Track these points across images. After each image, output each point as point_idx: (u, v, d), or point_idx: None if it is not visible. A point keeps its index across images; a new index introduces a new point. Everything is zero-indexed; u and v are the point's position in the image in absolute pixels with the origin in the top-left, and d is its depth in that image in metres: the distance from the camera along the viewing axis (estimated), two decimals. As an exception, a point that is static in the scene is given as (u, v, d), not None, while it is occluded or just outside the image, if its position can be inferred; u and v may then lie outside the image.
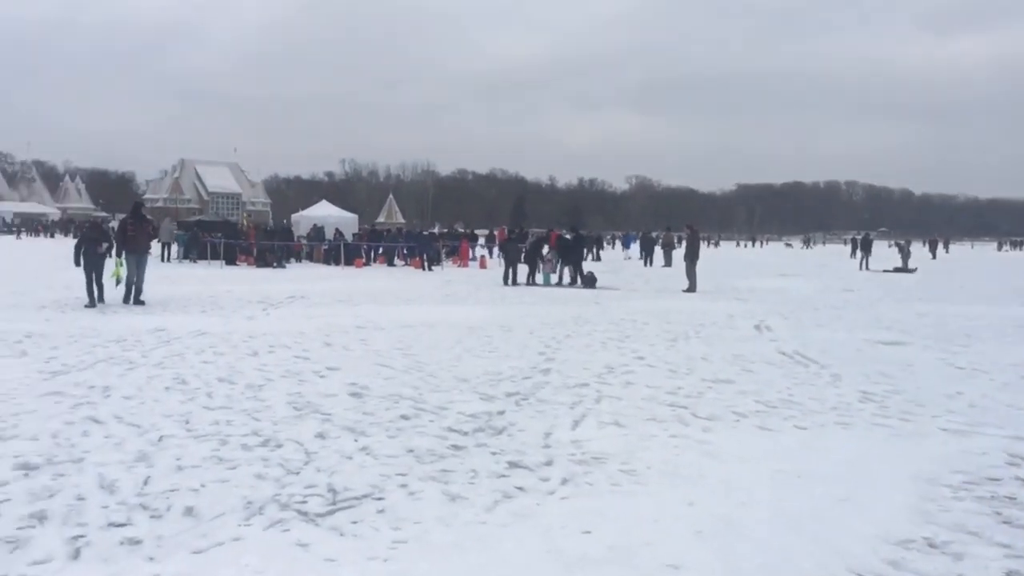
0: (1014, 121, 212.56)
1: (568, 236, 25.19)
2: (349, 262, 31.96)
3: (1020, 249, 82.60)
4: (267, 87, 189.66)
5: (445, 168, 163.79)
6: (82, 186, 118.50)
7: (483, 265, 33.47)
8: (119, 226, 16.21)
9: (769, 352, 10.94)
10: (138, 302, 15.60)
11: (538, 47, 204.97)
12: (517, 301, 18.32)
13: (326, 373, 8.90)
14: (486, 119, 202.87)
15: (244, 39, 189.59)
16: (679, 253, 26.19)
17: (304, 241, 36.90)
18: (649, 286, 23.80)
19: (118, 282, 15.51)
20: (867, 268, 35.84)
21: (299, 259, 34.76)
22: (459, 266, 33.17)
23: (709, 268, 24.44)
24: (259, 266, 29.07)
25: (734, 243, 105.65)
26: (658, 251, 37.74)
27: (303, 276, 25.34)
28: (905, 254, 35.95)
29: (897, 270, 33.99)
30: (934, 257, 53.84)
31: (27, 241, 62.96)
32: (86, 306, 14.83)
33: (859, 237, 47.20)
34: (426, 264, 30.78)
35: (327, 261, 33.68)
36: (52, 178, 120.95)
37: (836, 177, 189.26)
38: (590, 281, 22.61)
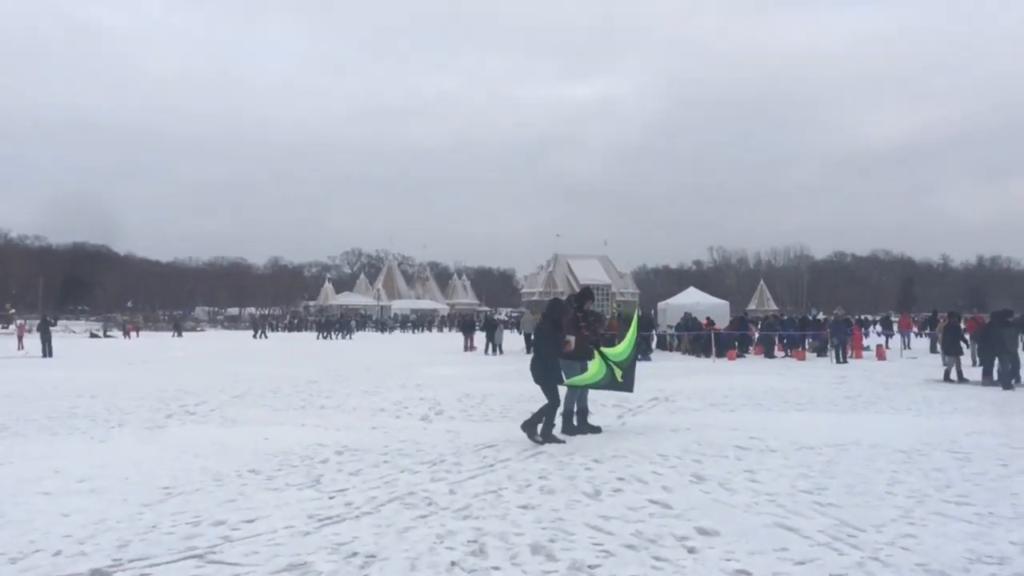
0: None
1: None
2: (721, 353, 28.55)
3: None
4: (637, 182, 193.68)
5: (821, 252, 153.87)
6: (468, 283, 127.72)
7: (880, 356, 28.25)
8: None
9: None
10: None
11: (929, 118, 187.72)
12: (950, 407, 13.74)
13: (703, 546, 5.72)
14: (867, 198, 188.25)
15: (620, 137, 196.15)
16: None
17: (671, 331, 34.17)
18: None
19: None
20: None
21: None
22: (853, 357, 28.20)
23: None
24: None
25: None
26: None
27: (668, 371, 22.42)
28: None
29: None
30: None
31: (418, 335, 67.43)
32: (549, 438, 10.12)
33: None
34: (840, 354, 26.37)
35: (696, 352, 30.57)
36: (443, 277, 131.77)
37: None
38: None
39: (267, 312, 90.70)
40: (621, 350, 11.38)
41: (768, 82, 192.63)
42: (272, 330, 65.33)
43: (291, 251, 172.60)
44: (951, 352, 19.24)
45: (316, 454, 9.26)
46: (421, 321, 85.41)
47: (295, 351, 35.84)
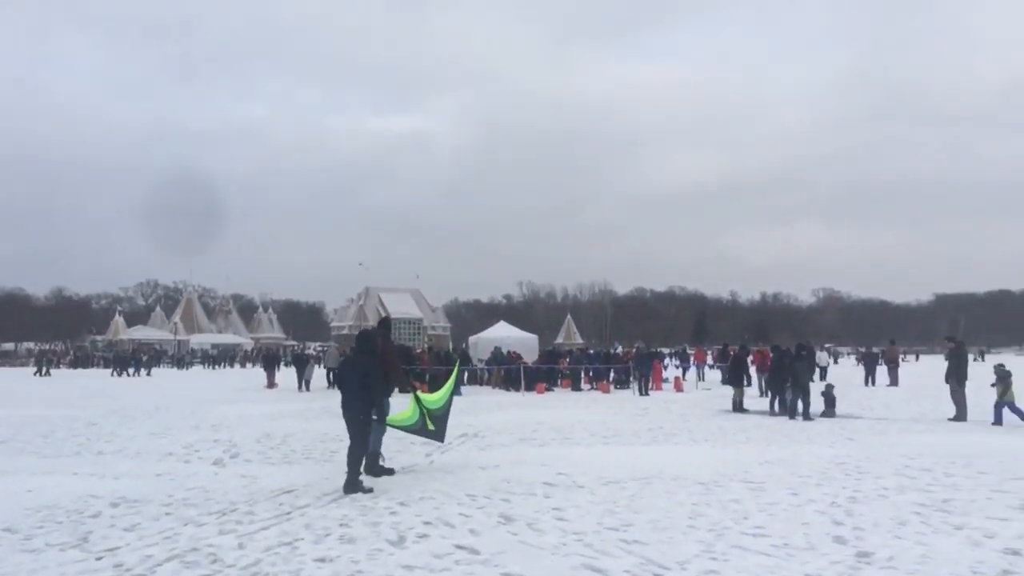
0: None
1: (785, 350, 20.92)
2: (530, 387, 28.83)
3: None
4: (448, 216, 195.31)
5: (623, 287, 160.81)
6: (274, 317, 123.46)
7: (678, 387, 29.50)
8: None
9: None
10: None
11: (720, 163, 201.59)
12: (743, 437, 14.38)
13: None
14: (664, 237, 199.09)
15: (431, 172, 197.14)
16: (909, 370, 21.13)
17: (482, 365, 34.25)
18: (892, 412, 19.20)
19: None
20: None
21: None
22: (654, 389, 29.22)
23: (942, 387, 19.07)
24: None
25: (939, 357, 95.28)
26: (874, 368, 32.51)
27: (479, 405, 22.31)
28: None
29: None
30: None
31: (219, 372, 64.19)
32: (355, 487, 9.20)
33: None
34: (642, 386, 27.11)
35: (506, 386, 30.75)
36: (248, 310, 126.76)
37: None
38: (829, 403, 18.19)
39: (48, 347, 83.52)
40: (437, 398, 11.14)
41: (575, 123, 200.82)
42: (54, 366, 60.10)
43: (77, 281, 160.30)
44: (736, 384, 20.41)
45: (87, 507, 8.31)
46: (222, 356, 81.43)
47: (80, 389, 32.99)
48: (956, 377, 17.30)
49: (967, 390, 17.32)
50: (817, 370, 31.92)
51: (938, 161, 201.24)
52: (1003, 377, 16.46)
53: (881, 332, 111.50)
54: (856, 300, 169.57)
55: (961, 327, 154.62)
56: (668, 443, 13.63)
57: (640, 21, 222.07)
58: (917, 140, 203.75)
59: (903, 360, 40.84)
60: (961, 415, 16.93)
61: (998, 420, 16.13)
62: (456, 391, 12.14)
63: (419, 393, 10.75)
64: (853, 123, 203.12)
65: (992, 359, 71.22)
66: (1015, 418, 15.92)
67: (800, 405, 17.52)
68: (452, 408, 11.63)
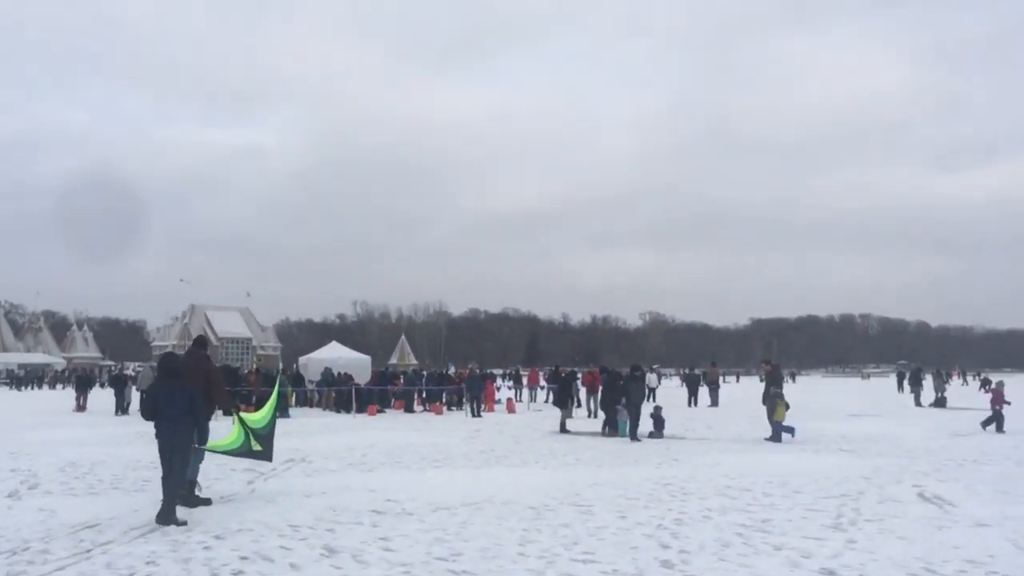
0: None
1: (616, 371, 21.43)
2: (362, 408, 28.19)
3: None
4: (282, 234, 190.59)
5: (457, 308, 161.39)
6: (90, 335, 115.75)
7: (511, 409, 29.66)
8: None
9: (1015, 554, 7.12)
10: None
11: (552, 188, 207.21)
12: (573, 458, 14.50)
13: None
14: (498, 259, 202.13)
15: (264, 187, 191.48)
16: (729, 391, 22.09)
17: (313, 386, 33.26)
18: (714, 432, 19.98)
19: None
20: (919, 403, 32.80)
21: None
22: (487, 410, 29.25)
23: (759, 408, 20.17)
24: (258, 416, 25.16)
25: (756, 378, 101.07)
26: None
27: (308, 428, 21.54)
28: (940, 384, 33.90)
29: (937, 402, 31.99)
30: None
31: (25, 394, 59.37)
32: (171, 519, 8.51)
33: (908, 370, 43.67)
34: (475, 409, 26.98)
35: (337, 408, 29.95)
36: (61, 328, 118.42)
37: (851, 310, 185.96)
38: (658, 425, 18.67)
39: None
40: (260, 417, 10.54)
41: (414, 142, 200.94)
42: None
43: None
44: (563, 405, 20.79)
45: None
46: (31, 377, 75.46)
47: None
48: (772, 398, 18.17)
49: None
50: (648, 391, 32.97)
51: (755, 192, 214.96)
52: (775, 397, 17.79)
53: (703, 354, 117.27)
54: (680, 323, 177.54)
55: (775, 350, 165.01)
56: (500, 466, 13.54)
57: (482, 45, 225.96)
58: (737, 171, 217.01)
59: (723, 381, 42.82)
60: (776, 436, 17.79)
61: (777, 438, 17.36)
62: (284, 413, 11.63)
63: (242, 414, 10.15)
64: (680, 152, 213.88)
65: (803, 381, 76.21)
66: (799, 436, 17.30)
67: (628, 425, 17.94)
68: (279, 431, 11.08)
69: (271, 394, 11.35)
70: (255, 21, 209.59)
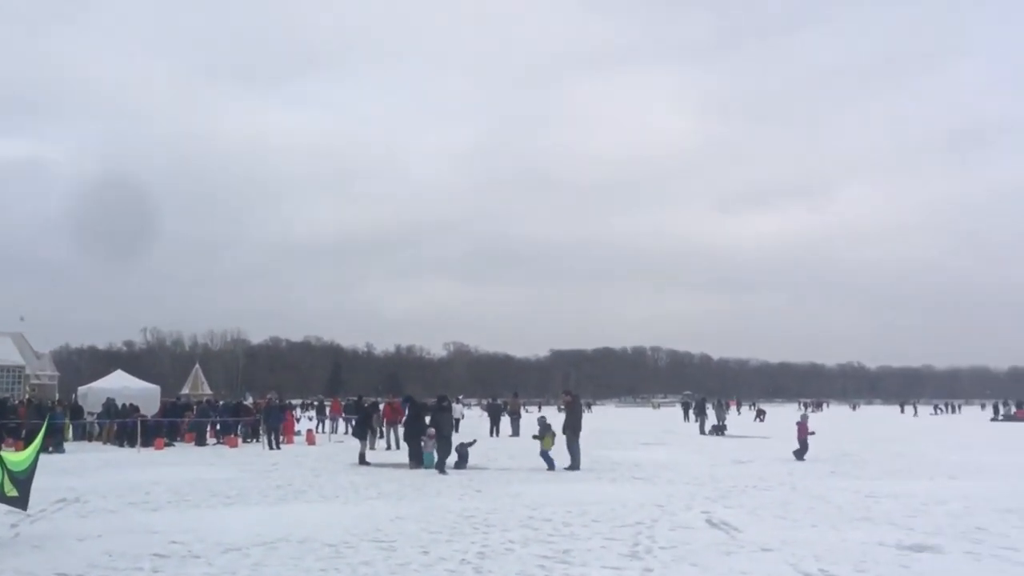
0: (796, 291, 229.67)
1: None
2: (148, 442, 26.35)
3: (820, 410, 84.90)
4: (64, 252, 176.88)
5: (257, 336, 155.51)
6: None
7: (311, 440, 28.75)
8: None
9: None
10: None
11: (360, 217, 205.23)
12: (375, 492, 14.15)
13: None
14: (301, 287, 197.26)
15: (44, 203, 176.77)
16: (530, 421, 22.37)
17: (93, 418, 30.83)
18: (515, 462, 20.19)
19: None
20: (704, 431, 34.88)
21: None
22: (285, 442, 28.15)
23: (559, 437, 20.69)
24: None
25: (554, 408, 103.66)
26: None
27: (86, 464, 19.86)
28: (721, 413, 36.28)
29: (715, 429, 34.19)
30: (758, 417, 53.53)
31: None
32: None
33: (693, 400, 46.37)
34: (273, 442, 25.77)
35: (120, 442, 27.88)
36: None
37: (643, 343, 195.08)
38: (463, 458, 18.57)
39: None
40: (22, 459, 9.56)
41: (214, 164, 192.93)
42: None
43: None
44: (363, 436, 20.50)
45: None
46: None
47: None
48: (571, 428, 18.59)
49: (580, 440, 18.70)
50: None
51: (557, 229, 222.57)
52: (544, 428, 18.51)
53: (505, 384, 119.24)
54: (483, 354, 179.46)
55: (573, 380, 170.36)
56: (297, 501, 12.99)
57: (288, 69, 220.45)
58: (540, 208, 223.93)
59: (525, 411, 43.57)
60: (575, 464, 18.17)
61: (551, 466, 17.85)
62: (59, 448, 10.57)
63: (2, 453, 9.14)
64: (487, 187, 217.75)
65: (598, 410, 78.92)
66: (595, 465, 17.84)
67: (436, 457, 17.75)
68: (50, 468, 10.10)
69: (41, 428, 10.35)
70: (44, 27, 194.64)
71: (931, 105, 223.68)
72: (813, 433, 21.43)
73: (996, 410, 60.83)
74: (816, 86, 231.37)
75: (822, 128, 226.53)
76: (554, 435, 18.53)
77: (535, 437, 18.73)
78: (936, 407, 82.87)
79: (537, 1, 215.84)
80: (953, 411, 79.75)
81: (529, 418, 33.48)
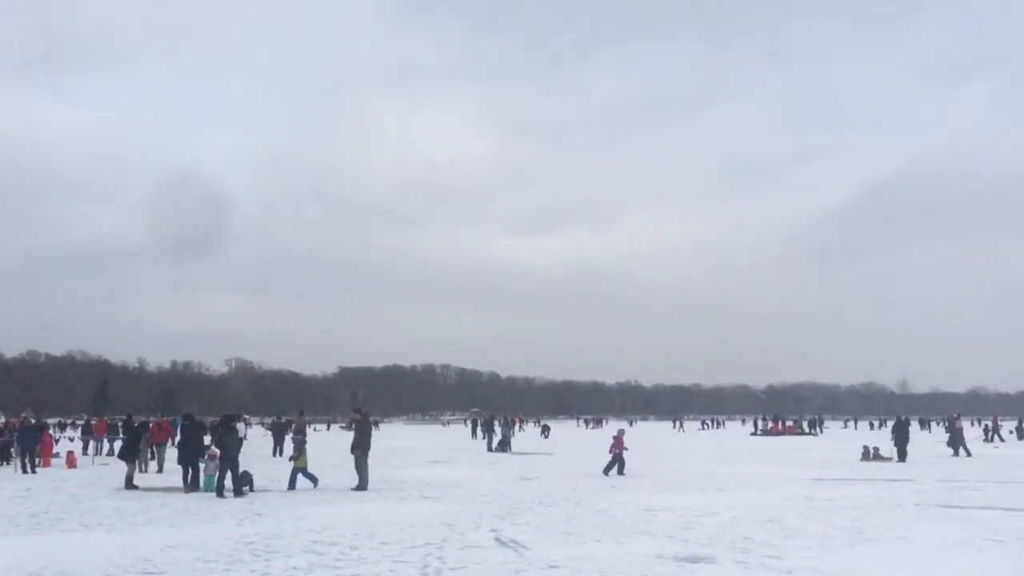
0: (580, 312, 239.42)
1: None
2: None
3: (600, 426, 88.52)
4: None
5: (12, 350, 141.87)
6: None
7: (71, 463, 26.39)
8: None
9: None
10: None
11: (132, 224, 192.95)
12: (143, 518, 13.12)
13: None
14: (65, 297, 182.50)
15: None
16: (317, 439, 21.74)
17: None
18: (301, 483, 19.43)
19: None
20: (491, 448, 35.53)
21: None
22: (42, 465, 25.65)
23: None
24: None
25: (340, 425, 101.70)
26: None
27: None
28: (507, 430, 36.76)
29: (500, 444, 34.99)
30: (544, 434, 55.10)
31: None
32: None
33: (481, 417, 47.04)
34: (28, 465, 23.26)
35: None
36: None
37: (432, 360, 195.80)
38: (246, 481, 17.52)
39: None
40: None
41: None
42: None
43: None
44: (130, 458, 19.13)
45: None
46: None
47: None
48: (360, 447, 18.15)
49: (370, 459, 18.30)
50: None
51: (346, 244, 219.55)
52: (298, 445, 18.92)
53: (291, 402, 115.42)
54: (267, 370, 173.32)
55: (361, 398, 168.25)
56: (54, 531, 11.81)
57: (60, 61, 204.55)
58: (330, 222, 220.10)
59: (313, 430, 42.39)
60: (363, 484, 17.74)
61: (292, 486, 17.63)
62: None
63: None
64: (273, 199, 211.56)
65: (386, 428, 78.13)
66: (383, 485, 17.33)
67: (217, 480, 16.73)
68: None
69: None
70: None
71: (704, 140, 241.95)
72: (627, 448, 21.96)
73: (756, 425, 66.65)
74: (605, 114, 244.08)
75: (608, 155, 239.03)
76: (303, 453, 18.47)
77: (291, 459, 18.29)
78: (703, 423, 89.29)
79: (344, 16, 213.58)
80: (718, 426, 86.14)
81: (316, 436, 32.61)
